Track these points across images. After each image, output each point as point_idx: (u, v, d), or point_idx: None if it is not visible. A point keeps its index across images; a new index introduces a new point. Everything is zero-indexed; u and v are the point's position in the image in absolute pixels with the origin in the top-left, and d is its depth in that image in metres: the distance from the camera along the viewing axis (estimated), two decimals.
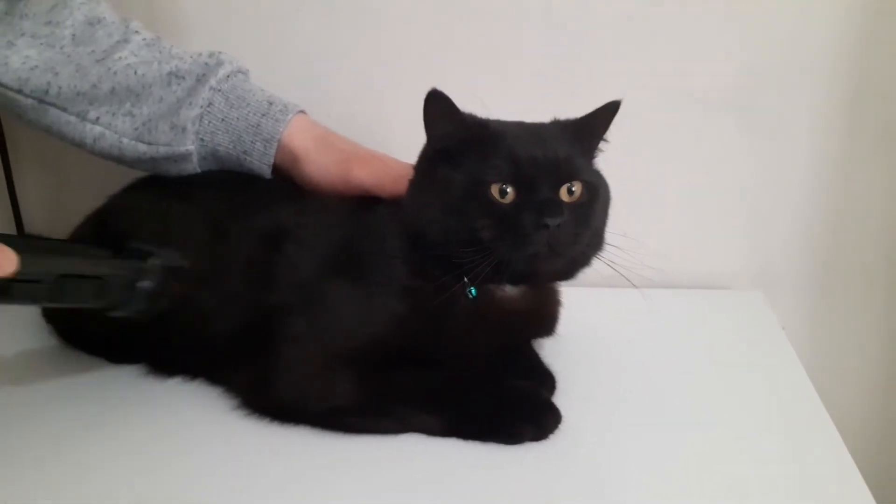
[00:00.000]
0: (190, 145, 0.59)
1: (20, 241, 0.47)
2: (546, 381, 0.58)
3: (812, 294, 0.83)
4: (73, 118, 0.58)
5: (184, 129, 0.59)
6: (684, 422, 0.56)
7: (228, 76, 0.60)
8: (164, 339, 0.58)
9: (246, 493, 0.47)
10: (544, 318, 0.59)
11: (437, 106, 0.50)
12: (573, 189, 0.51)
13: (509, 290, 0.54)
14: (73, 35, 0.58)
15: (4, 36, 0.56)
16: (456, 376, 0.53)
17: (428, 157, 0.54)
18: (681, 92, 0.75)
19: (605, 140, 0.55)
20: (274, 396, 0.53)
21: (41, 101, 0.57)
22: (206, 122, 0.59)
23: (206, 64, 0.60)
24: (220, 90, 0.60)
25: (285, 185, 0.62)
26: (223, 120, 0.60)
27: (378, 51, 0.75)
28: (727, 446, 0.53)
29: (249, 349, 0.54)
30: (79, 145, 0.60)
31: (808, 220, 0.80)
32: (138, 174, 0.65)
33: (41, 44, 0.57)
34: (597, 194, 0.52)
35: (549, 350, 0.61)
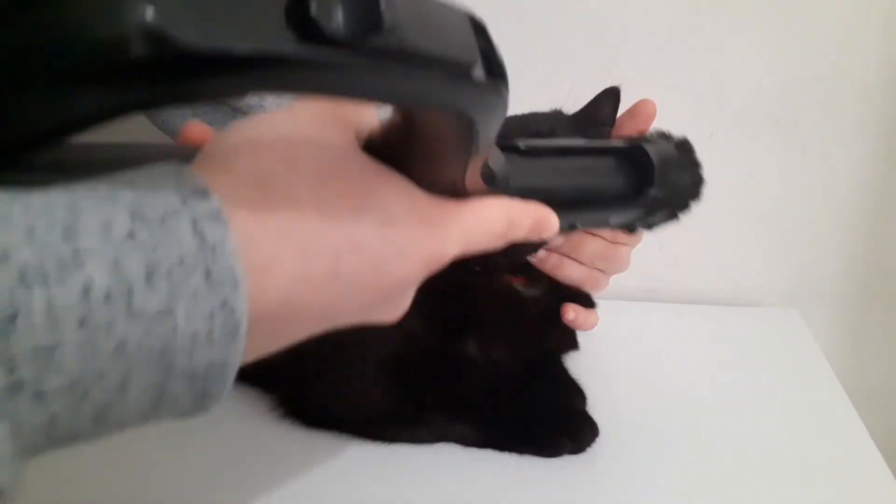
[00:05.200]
0: None
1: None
2: (576, 394, 0.57)
3: (850, 313, 0.81)
4: None
5: None
6: (719, 438, 0.55)
7: None
8: None
9: (275, 496, 0.47)
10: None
11: None
12: None
13: (529, 292, 0.54)
14: None
15: None
16: (491, 387, 0.53)
17: None
18: (719, 106, 0.75)
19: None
20: (307, 403, 0.53)
21: None
22: None
23: None
24: None
25: None
26: None
27: None
28: (764, 464, 0.52)
29: (290, 352, 0.54)
30: None
31: (848, 238, 0.79)
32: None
33: None
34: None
35: (582, 364, 0.60)
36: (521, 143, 0.38)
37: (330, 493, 0.48)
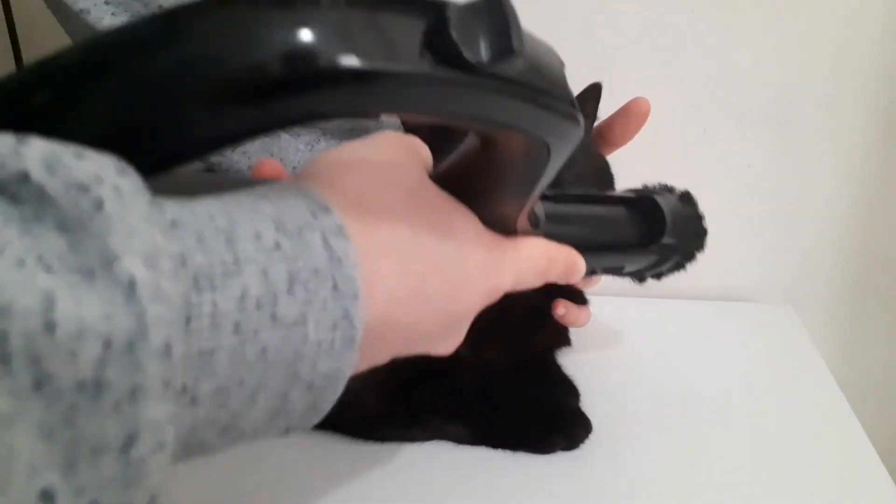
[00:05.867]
0: None
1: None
2: (569, 391, 0.57)
3: (845, 309, 0.81)
4: (302, 146, 0.58)
5: None
6: (714, 435, 0.55)
7: None
8: None
9: (267, 495, 0.47)
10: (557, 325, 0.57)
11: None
12: None
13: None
14: None
15: None
16: (484, 385, 0.53)
17: None
18: (714, 103, 0.75)
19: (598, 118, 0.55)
20: None
21: None
22: None
23: None
24: None
25: None
26: None
27: None
28: (758, 461, 0.52)
29: None
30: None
31: (843, 235, 0.79)
32: None
33: None
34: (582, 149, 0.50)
35: (575, 361, 0.60)
36: (548, 190, 0.39)
37: (323, 491, 0.47)
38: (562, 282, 0.37)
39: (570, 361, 0.60)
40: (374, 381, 0.51)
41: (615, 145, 0.55)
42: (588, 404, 0.55)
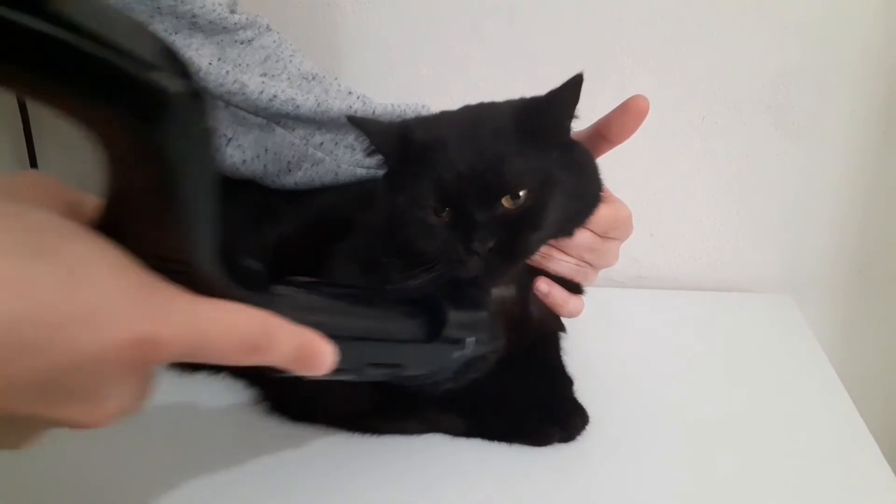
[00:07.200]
0: None
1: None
2: (563, 380, 0.56)
3: (844, 299, 0.81)
4: (297, 140, 0.58)
5: None
6: (712, 425, 0.54)
7: None
8: None
9: (263, 490, 0.47)
10: (544, 317, 0.55)
11: (356, 122, 0.49)
12: (518, 195, 0.46)
13: (503, 293, 0.52)
14: (290, 86, 0.58)
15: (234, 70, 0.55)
16: (479, 377, 0.52)
17: (383, 178, 0.52)
18: (711, 92, 0.74)
19: (576, 117, 0.50)
20: (295, 398, 0.53)
21: (271, 120, 0.57)
22: None
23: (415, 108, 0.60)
24: None
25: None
26: None
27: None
28: (757, 450, 0.52)
29: None
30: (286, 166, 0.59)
31: (841, 224, 0.78)
32: None
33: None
34: (552, 189, 0.46)
35: (572, 352, 0.60)
36: (304, 279, 0.36)
37: (320, 486, 0.47)
38: (296, 371, 0.32)
39: (567, 352, 0.59)
40: None
41: (613, 143, 0.54)
42: (585, 396, 0.55)
